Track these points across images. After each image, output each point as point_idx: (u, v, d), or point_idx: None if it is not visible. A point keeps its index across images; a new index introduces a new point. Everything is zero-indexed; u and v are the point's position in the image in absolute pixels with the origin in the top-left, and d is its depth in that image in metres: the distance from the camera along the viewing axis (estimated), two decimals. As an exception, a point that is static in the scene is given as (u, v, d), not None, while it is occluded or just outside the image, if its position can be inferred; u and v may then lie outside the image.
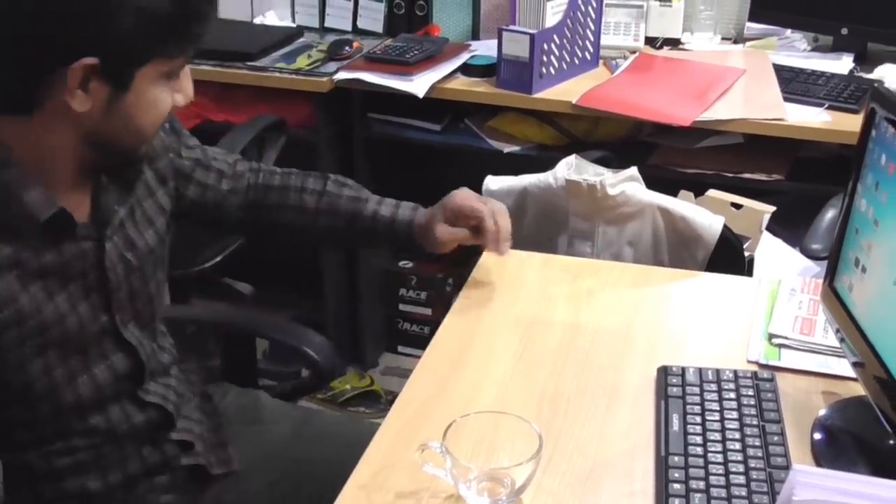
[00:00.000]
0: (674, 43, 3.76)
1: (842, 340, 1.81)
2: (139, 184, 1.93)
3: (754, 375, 1.87)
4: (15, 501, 1.81)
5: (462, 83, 3.53)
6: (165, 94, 1.75)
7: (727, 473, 1.63)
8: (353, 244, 3.28)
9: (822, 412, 1.83)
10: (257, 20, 4.08)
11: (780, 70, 3.43)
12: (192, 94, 1.81)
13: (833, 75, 3.39)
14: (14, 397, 1.78)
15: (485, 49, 3.64)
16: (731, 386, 1.84)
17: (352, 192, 2.28)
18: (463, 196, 2.22)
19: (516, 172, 2.69)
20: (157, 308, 2.02)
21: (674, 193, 2.64)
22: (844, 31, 3.60)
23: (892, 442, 1.69)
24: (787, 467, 1.65)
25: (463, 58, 3.60)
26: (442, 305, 3.95)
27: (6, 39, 1.59)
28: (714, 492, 1.60)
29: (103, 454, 1.91)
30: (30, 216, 1.68)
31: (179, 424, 2.01)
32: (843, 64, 3.53)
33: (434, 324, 2.31)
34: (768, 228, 2.74)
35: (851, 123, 3.02)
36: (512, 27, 3.40)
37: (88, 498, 1.91)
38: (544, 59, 3.37)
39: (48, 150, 1.70)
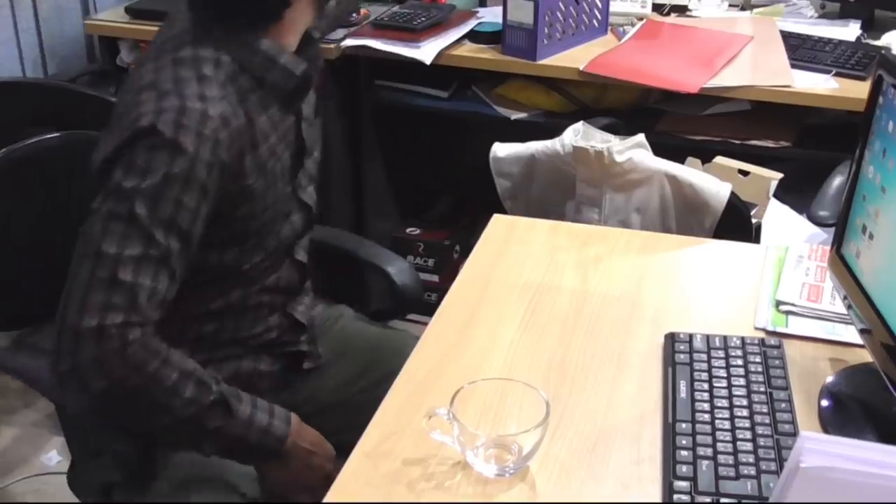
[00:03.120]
0: (681, 10, 3.75)
1: (849, 307, 1.81)
2: None
3: (762, 342, 1.87)
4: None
5: (469, 50, 3.52)
6: None
7: (734, 440, 1.64)
8: None
9: (829, 379, 1.83)
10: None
11: (787, 37, 3.42)
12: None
13: (840, 42, 3.38)
14: (241, 226, 2.04)
15: (491, 16, 3.63)
16: (739, 353, 1.84)
17: None
18: None
19: (524, 139, 2.69)
20: None
21: (681, 160, 2.64)
22: (852, -3, 3.59)
23: (898, 409, 1.70)
24: (794, 434, 1.65)
25: (470, 24, 3.59)
26: (449, 272, 3.96)
27: None
28: (721, 458, 1.60)
29: (249, 307, 2.16)
30: (289, 72, 2.00)
31: (300, 303, 2.28)
32: (850, 31, 3.52)
33: (441, 290, 2.32)
34: (775, 195, 2.74)
35: (859, 90, 3.02)
36: (518, -7, 3.40)
37: (211, 345, 2.13)
38: (549, 25, 3.36)
39: (293, 29, 2.04)
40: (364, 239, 2.65)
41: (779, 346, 1.87)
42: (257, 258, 2.10)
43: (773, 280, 2.12)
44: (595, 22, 3.55)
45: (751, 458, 1.60)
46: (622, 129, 2.80)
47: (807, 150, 3.26)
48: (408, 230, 4.17)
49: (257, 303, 2.17)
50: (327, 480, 1.99)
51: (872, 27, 3.57)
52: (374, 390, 2.18)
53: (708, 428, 1.67)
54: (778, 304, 2.04)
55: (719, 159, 2.86)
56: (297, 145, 2.15)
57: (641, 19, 3.66)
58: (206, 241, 1.93)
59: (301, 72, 2.02)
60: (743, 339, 1.88)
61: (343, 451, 1.98)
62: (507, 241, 2.31)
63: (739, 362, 1.82)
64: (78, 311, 1.78)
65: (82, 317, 1.78)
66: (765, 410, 1.70)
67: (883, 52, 1.90)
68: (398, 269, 2.47)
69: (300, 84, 2.04)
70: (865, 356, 1.80)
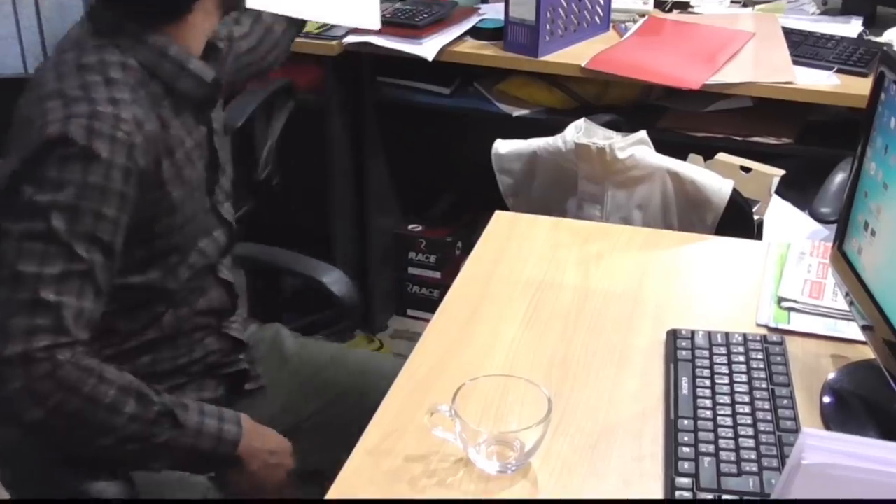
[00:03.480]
0: (683, 6, 3.74)
1: (851, 304, 1.81)
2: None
3: (763, 339, 1.87)
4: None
5: (471, 46, 3.51)
6: None
7: (736, 437, 1.64)
8: None
9: (831, 376, 1.83)
10: (266, -17, 4.06)
11: (789, 33, 3.42)
12: None
13: (842, 38, 3.38)
14: (163, 242, 2.00)
15: (493, 12, 3.63)
16: (741, 349, 1.84)
17: None
18: None
19: (525, 136, 2.69)
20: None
21: (683, 157, 2.64)
22: (853, -7, 3.59)
23: (901, 405, 1.70)
24: (796, 431, 1.65)
25: (472, 21, 3.59)
26: (451, 268, 3.95)
27: None
28: (723, 455, 1.60)
29: (184, 332, 2.11)
30: (199, 79, 1.97)
31: (234, 321, 2.22)
32: (852, 27, 3.51)
33: (443, 287, 2.32)
34: (777, 192, 2.74)
35: (860, 87, 3.01)
36: (519, -10, 3.40)
37: (150, 378, 2.00)
38: (551, 21, 3.36)
39: (196, 34, 1.99)
40: (295, 253, 2.60)
41: (781, 343, 1.87)
42: (183, 276, 2.05)
43: (775, 277, 2.12)
44: (597, 18, 3.55)
45: (753, 455, 1.60)
46: (624, 125, 2.80)
47: (809, 147, 3.25)
48: (410, 227, 4.17)
49: (191, 327, 2.12)
50: (288, 476, 2.00)
51: (874, 24, 3.56)
52: (328, 411, 2.22)
53: (710, 424, 1.67)
54: (780, 300, 2.04)
55: (721, 156, 2.86)
56: (211, 157, 2.11)
57: (643, 16, 3.65)
58: (128, 262, 1.89)
59: (212, 79, 2.00)
60: (745, 335, 1.88)
61: (308, 475, 2.00)
62: (508, 237, 2.31)
63: (741, 359, 1.82)
64: (0, 338, 1.73)
65: (5, 345, 1.72)
66: (767, 407, 1.70)
67: (885, 48, 1.90)
68: (334, 279, 2.43)
69: (210, 92, 2.02)
70: (867, 353, 1.80)
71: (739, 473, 1.57)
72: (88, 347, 1.80)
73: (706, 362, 1.81)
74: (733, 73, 3.21)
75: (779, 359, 1.82)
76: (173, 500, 2.04)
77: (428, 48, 3.45)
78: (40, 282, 1.74)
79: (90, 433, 1.82)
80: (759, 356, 1.83)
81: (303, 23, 2.68)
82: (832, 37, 3.39)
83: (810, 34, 3.42)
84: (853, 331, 1.89)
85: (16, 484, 2.11)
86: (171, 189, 1.94)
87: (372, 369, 2.31)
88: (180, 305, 2.07)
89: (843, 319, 1.97)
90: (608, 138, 2.56)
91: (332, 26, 3.60)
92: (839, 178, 2.73)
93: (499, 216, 2.41)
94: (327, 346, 2.43)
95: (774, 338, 1.88)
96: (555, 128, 2.65)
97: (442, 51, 3.46)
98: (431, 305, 2.14)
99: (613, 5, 3.60)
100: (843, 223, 1.86)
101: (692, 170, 2.52)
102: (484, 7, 3.75)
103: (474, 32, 3.55)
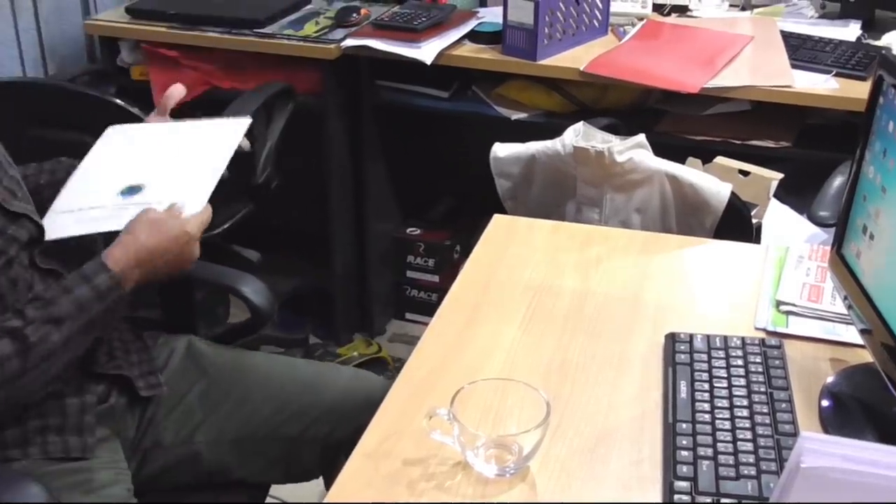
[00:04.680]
0: (681, 10, 3.75)
1: (849, 307, 1.81)
2: None
3: (762, 342, 1.87)
4: None
5: (469, 50, 3.52)
6: None
7: (735, 440, 1.64)
8: None
9: (829, 379, 1.83)
10: (265, -13, 4.07)
11: (787, 37, 3.42)
12: None
13: (841, 42, 3.38)
14: None
15: (492, 16, 3.63)
16: (739, 353, 1.84)
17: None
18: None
19: (524, 139, 2.69)
20: None
21: (681, 160, 2.65)
22: (852, -3, 3.59)
23: (899, 409, 1.70)
24: (794, 434, 1.65)
25: (470, 24, 3.59)
26: (449, 272, 3.96)
27: None
28: (722, 458, 1.60)
29: None
30: None
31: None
32: (850, 31, 3.51)
33: (442, 290, 2.32)
34: (776, 195, 2.74)
35: (859, 90, 3.02)
36: (518, -6, 3.40)
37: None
38: (549, 25, 3.36)
39: None
40: (208, 263, 2.46)
41: (779, 347, 1.87)
42: None
43: (774, 280, 2.12)
44: (595, 22, 3.55)
45: (751, 459, 1.60)
46: (622, 129, 2.80)
47: (807, 151, 3.25)
48: (408, 230, 4.17)
49: None
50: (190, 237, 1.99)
51: (873, 27, 3.57)
52: (271, 423, 2.22)
53: (708, 428, 1.67)
54: (778, 304, 2.04)
55: (720, 159, 2.86)
56: None
57: (642, 19, 3.66)
58: None
59: None
60: (743, 339, 1.88)
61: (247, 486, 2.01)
62: (507, 241, 2.31)
63: (740, 362, 1.82)
64: None
65: None
66: (765, 411, 1.70)
67: (883, 52, 1.90)
68: (253, 289, 2.34)
69: None
70: (866, 356, 1.80)
71: (738, 477, 1.57)
72: None
73: (705, 366, 1.81)
74: (732, 77, 3.21)
75: (777, 362, 1.82)
76: None
77: (426, 52, 3.45)
78: None
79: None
80: (758, 360, 1.83)
81: None
82: (830, 40, 3.39)
83: (809, 38, 3.42)
84: (851, 334, 1.89)
85: None
86: None
87: (287, 379, 2.29)
88: (11, 306, 1.94)
89: (841, 323, 1.97)
90: (607, 142, 2.56)
91: (331, 29, 3.61)
92: (838, 181, 2.73)
93: (497, 220, 2.41)
94: (247, 354, 2.38)
95: (773, 341, 1.88)
96: (553, 131, 2.65)
97: (440, 54, 3.46)
98: (430, 309, 2.14)
99: (612, 9, 3.61)
100: (841, 227, 1.86)
101: (691, 173, 2.53)
102: (482, 10, 3.76)
103: (473, 36, 3.55)
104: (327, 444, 2.23)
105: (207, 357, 2.31)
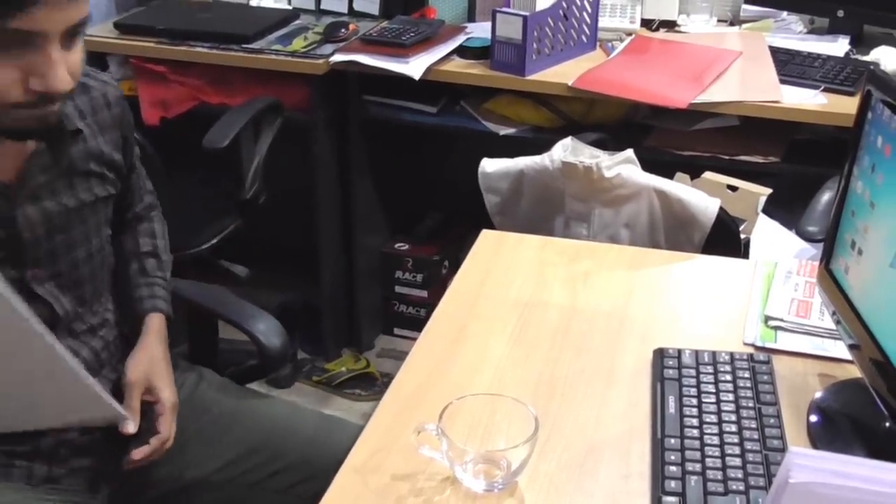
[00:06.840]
0: (670, 25, 3.76)
1: (838, 323, 1.81)
2: (68, 154, 1.95)
3: (750, 358, 1.87)
4: None
5: (458, 65, 3.52)
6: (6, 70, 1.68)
7: (723, 456, 1.63)
8: None
9: (818, 395, 1.83)
10: (253, 2, 4.07)
11: (776, 52, 3.43)
12: (54, 85, 1.68)
13: (829, 57, 3.39)
14: None
15: (480, 31, 3.63)
16: (728, 368, 1.84)
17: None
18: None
19: (512, 154, 2.69)
20: (91, 273, 2.05)
21: (670, 176, 2.65)
22: (840, 13, 3.59)
23: (887, 424, 1.70)
24: (783, 449, 1.65)
25: (458, 40, 3.59)
26: (438, 287, 3.96)
27: None
28: (710, 474, 1.60)
29: None
30: None
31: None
32: (839, 46, 3.52)
33: (430, 306, 2.32)
34: (764, 211, 2.74)
35: (847, 106, 3.02)
36: (505, 9, 3.40)
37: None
38: (538, 41, 3.37)
39: None
40: (230, 293, 2.46)
41: (767, 362, 1.87)
42: None
43: (762, 295, 2.12)
44: (584, 37, 3.55)
45: (739, 474, 1.60)
46: (611, 144, 2.80)
47: (795, 166, 3.26)
48: (396, 245, 4.17)
49: None
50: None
51: (861, 42, 3.58)
52: (261, 473, 2.16)
53: (697, 443, 1.66)
54: (767, 319, 2.04)
55: (708, 175, 2.86)
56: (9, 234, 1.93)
57: (630, 35, 3.66)
58: None
59: None
60: (732, 354, 1.88)
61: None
62: (495, 256, 2.31)
63: (728, 378, 1.82)
64: None
65: None
66: (753, 426, 1.70)
67: (872, 67, 1.91)
68: (265, 328, 2.28)
69: None
70: (854, 371, 1.80)
71: (726, 492, 1.57)
72: None
73: (693, 381, 1.81)
74: (720, 92, 3.22)
75: (766, 377, 1.82)
76: None
77: (414, 67, 3.45)
78: None
79: None
80: (746, 375, 1.83)
81: None
82: (819, 55, 3.40)
83: (797, 53, 3.43)
84: (840, 349, 1.89)
85: None
86: None
87: (288, 427, 2.21)
88: None
89: (829, 338, 1.97)
90: (595, 157, 2.56)
91: (319, 45, 3.61)
92: (826, 196, 2.74)
93: (486, 235, 2.41)
94: (251, 395, 2.31)
95: (761, 357, 1.88)
96: (542, 146, 2.65)
97: (429, 69, 3.46)
98: (418, 324, 2.13)
99: (600, 24, 3.61)
100: (829, 242, 1.86)
101: (679, 188, 2.53)
102: (471, 26, 3.76)
103: (461, 51, 3.56)
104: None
105: (210, 395, 2.25)
